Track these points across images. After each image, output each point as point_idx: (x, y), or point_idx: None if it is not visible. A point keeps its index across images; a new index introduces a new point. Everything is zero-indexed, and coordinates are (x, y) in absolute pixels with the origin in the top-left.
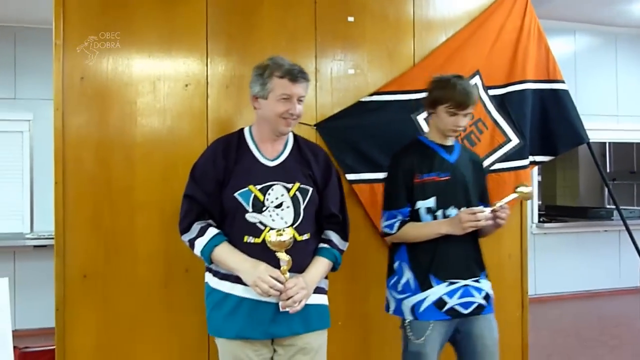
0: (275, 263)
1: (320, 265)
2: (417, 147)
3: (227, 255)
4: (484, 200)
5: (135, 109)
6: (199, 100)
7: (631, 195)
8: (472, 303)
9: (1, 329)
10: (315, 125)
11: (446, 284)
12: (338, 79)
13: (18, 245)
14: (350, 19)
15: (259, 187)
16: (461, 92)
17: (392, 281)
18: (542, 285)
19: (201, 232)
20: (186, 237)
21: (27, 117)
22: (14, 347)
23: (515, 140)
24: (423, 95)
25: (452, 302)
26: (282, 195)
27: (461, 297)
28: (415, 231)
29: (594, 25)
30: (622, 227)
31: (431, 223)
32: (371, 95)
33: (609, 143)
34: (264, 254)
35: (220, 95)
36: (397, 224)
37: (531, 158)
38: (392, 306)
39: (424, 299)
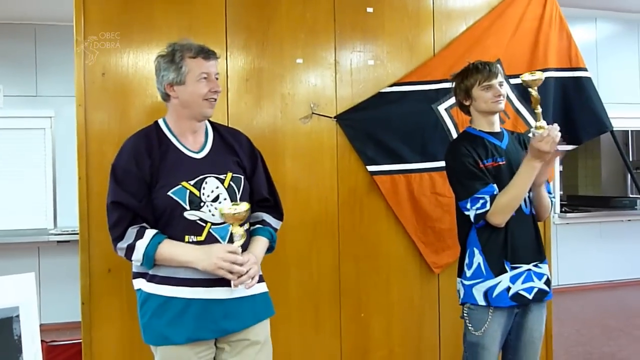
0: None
1: (260, 244)
2: (468, 138)
3: (174, 249)
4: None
5: (156, 104)
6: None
7: None
8: (534, 288)
9: (29, 322)
10: (335, 117)
11: (513, 268)
12: (358, 70)
13: (42, 241)
14: (369, 9)
15: (192, 182)
16: (482, 66)
17: (464, 267)
18: (565, 275)
19: (139, 235)
20: (122, 244)
21: (48, 113)
22: (41, 341)
23: None
24: (444, 85)
25: (515, 288)
26: (217, 187)
27: (524, 282)
28: (511, 189)
29: (615, 12)
30: None
31: (522, 167)
32: (391, 86)
33: (632, 131)
34: None
35: (240, 88)
36: (489, 200)
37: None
38: (462, 293)
39: (497, 284)
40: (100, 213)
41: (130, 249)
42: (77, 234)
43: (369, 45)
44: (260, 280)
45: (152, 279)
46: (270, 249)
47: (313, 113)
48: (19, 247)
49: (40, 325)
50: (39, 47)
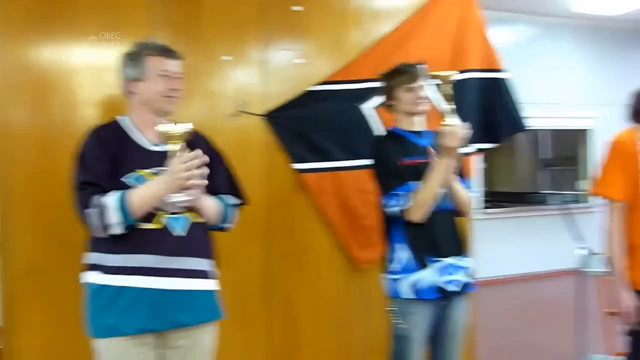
0: (169, 252)
1: (209, 198)
2: (390, 137)
3: (142, 188)
4: (463, 175)
5: (78, 100)
6: None
7: (568, 180)
8: (457, 281)
9: None
10: (263, 116)
11: (436, 262)
12: (286, 68)
13: None
14: (297, 8)
15: (148, 171)
16: (406, 68)
17: (388, 263)
18: (486, 269)
19: (105, 196)
20: (92, 210)
21: None
22: None
23: None
24: (369, 84)
25: (439, 281)
26: None
27: (447, 274)
28: (426, 185)
29: (532, 16)
30: (559, 211)
31: (434, 165)
32: (319, 84)
33: (547, 130)
34: (161, 238)
35: None
36: (406, 198)
37: (477, 146)
38: (388, 288)
39: (422, 277)
40: (20, 213)
41: (102, 207)
42: None
43: (297, 43)
44: (212, 277)
45: (107, 270)
46: (224, 218)
47: (240, 111)
48: None
49: None
50: None
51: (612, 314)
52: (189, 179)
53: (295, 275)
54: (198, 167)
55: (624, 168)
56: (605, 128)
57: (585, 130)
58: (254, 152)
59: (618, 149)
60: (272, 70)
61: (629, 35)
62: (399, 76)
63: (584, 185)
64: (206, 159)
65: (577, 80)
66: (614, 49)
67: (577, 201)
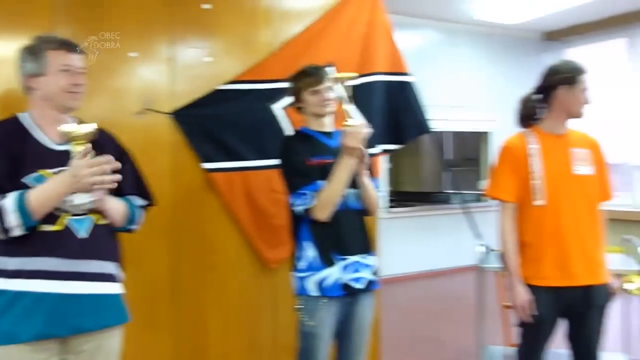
0: (72, 255)
1: (115, 199)
2: (298, 137)
3: (41, 188)
4: (371, 175)
5: None
6: None
7: (470, 181)
8: (362, 278)
9: None
10: (171, 114)
11: (342, 260)
12: (194, 66)
13: None
14: (206, 6)
15: (50, 171)
16: (311, 71)
17: (296, 261)
18: (392, 266)
19: (2, 198)
20: None
21: None
22: None
23: None
24: (278, 85)
25: (345, 278)
26: None
27: (352, 272)
28: (329, 185)
29: (436, 21)
30: (460, 210)
31: (337, 164)
32: (228, 83)
33: (450, 132)
34: (63, 241)
35: None
36: (312, 197)
37: (382, 146)
38: (297, 285)
39: (328, 275)
40: None
41: None
42: None
43: (206, 41)
44: (116, 280)
45: (3, 274)
46: (131, 220)
47: (147, 109)
48: None
49: None
50: None
51: (508, 307)
52: (93, 182)
53: (203, 275)
54: (108, 171)
55: (514, 171)
56: (504, 131)
57: (485, 132)
58: (161, 151)
59: (508, 153)
60: (180, 68)
61: (526, 43)
62: (305, 78)
63: (483, 185)
64: (118, 165)
65: (479, 84)
66: (513, 56)
67: (478, 200)
